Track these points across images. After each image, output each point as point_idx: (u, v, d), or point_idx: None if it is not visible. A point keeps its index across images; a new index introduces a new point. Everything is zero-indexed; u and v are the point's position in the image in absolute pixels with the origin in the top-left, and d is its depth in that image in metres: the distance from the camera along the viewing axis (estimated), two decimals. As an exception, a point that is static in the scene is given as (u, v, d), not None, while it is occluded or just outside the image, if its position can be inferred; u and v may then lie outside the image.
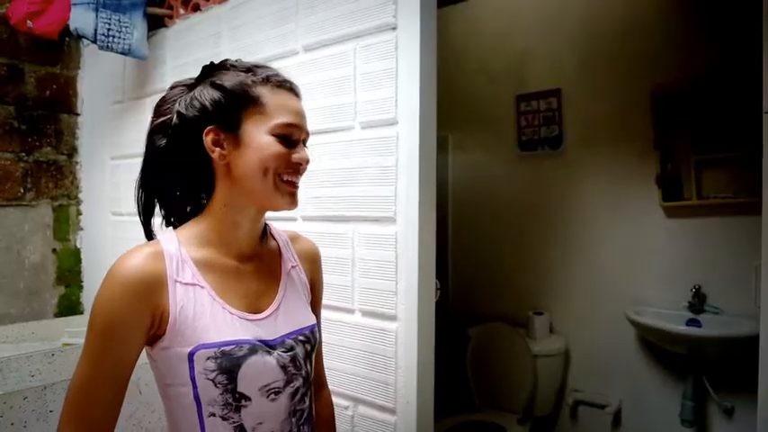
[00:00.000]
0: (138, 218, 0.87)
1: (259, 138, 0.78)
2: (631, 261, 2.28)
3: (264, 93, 0.80)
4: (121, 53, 1.84)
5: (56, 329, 2.01)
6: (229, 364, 0.75)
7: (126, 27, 1.80)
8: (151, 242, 0.80)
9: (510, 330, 2.44)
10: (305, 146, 0.85)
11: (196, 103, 0.80)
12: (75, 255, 2.31)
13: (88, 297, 2.31)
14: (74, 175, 2.31)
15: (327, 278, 1.40)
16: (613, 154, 2.31)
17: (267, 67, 0.83)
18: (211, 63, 0.85)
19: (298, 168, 0.81)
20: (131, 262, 0.74)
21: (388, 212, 1.30)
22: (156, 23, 1.94)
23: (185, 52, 1.84)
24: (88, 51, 2.26)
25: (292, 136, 0.80)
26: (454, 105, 2.71)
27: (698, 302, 2.06)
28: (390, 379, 1.30)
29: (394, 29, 1.29)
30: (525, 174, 2.60)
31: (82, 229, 2.33)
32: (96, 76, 2.26)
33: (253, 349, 0.78)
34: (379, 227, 1.32)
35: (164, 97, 0.84)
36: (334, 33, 1.41)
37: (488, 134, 2.73)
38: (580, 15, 2.40)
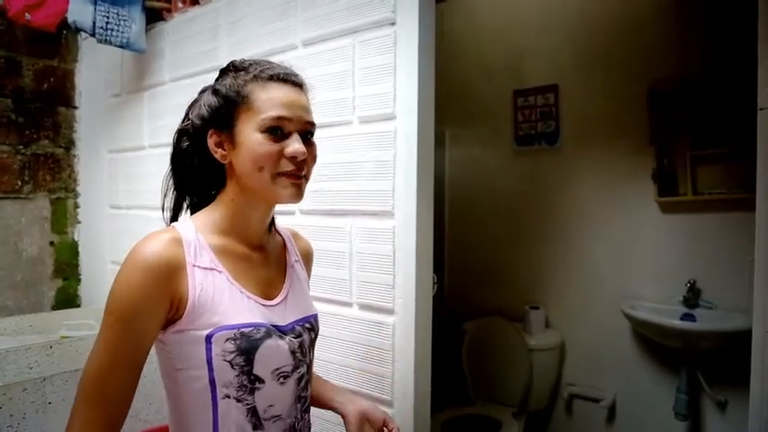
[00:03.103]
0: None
1: (249, 136, 0.79)
2: (627, 256, 2.29)
3: (254, 89, 0.80)
4: (120, 46, 1.83)
5: (54, 322, 2.01)
6: (248, 345, 0.77)
7: (124, 20, 1.80)
8: (168, 228, 0.82)
9: (506, 325, 2.46)
10: (310, 137, 0.84)
11: (200, 111, 0.84)
12: (73, 248, 2.32)
13: (86, 290, 2.32)
14: (71, 168, 2.31)
15: (326, 272, 1.42)
16: (610, 149, 2.32)
17: (263, 62, 0.84)
18: (227, 65, 0.87)
19: (294, 162, 0.80)
20: (151, 247, 0.75)
21: (386, 206, 1.30)
22: (154, 17, 1.94)
23: (183, 46, 1.84)
24: (86, 44, 2.26)
25: (284, 129, 0.80)
26: (451, 100, 2.71)
27: (692, 297, 2.07)
28: (387, 372, 1.31)
29: (393, 24, 1.30)
30: (522, 169, 2.61)
31: (79, 222, 2.33)
32: (94, 69, 2.25)
33: (268, 333, 0.80)
34: (377, 221, 1.33)
35: (193, 101, 0.89)
36: (333, 28, 1.42)
37: (485, 129, 2.74)
38: (578, 11, 2.41)
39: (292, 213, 1.50)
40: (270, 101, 0.80)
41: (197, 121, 0.84)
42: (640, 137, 2.23)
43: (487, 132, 2.73)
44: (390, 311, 1.30)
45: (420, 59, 1.26)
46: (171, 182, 0.89)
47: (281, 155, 0.79)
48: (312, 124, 0.84)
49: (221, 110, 0.82)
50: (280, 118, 0.79)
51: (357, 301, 1.37)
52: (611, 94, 2.31)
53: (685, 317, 2.03)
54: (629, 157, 2.26)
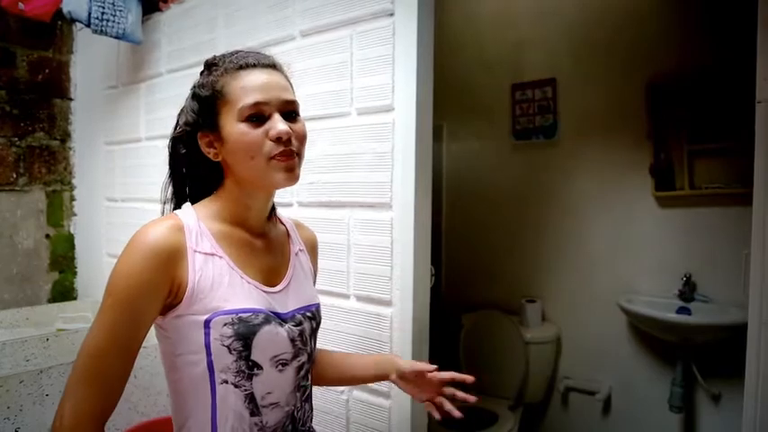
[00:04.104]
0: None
1: (233, 128, 0.80)
2: (624, 250, 2.30)
3: (226, 82, 0.81)
4: (115, 37, 1.82)
5: (49, 315, 2.01)
6: (246, 330, 0.78)
7: (120, 11, 1.78)
8: (170, 215, 0.83)
9: (502, 318, 2.47)
10: (295, 115, 0.83)
11: (186, 118, 0.86)
12: (69, 240, 2.31)
13: (82, 283, 2.31)
14: (67, 161, 2.30)
15: (323, 263, 1.41)
16: (607, 144, 2.33)
17: (230, 54, 0.85)
18: (204, 66, 0.88)
19: (280, 142, 0.79)
20: (153, 233, 0.76)
21: (384, 198, 1.30)
22: (150, 7, 1.92)
23: (181, 37, 1.83)
24: (81, 35, 2.24)
25: (264, 113, 0.79)
26: (449, 94, 2.70)
27: (688, 291, 2.08)
28: (385, 364, 1.31)
29: (391, 15, 1.29)
30: (519, 163, 2.61)
31: (75, 214, 2.32)
32: (90, 60, 2.24)
33: (267, 319, 0.81)
34: (375, 212, 1.32)
35: (181, 108, 0.89)
36: (331, 19, 1.41)
37: (483, 123, 2.74)
38: (576, 5, 2.40)
39: (290, 205, 1.50)
40: (243, 89, 0.79)
41: (187, 128, 0.86)
42: (638, 131, 2.23)
43: (485, 126, 2.73)
44: (388, 303, 1.30)
45: (419, 51, 1.25)
46: (171, 190, 0.90)
47: (265, 139, 0.79)
48: (292, 102, 0.83)
49: (203, 110, 0.83)
50: (256, 104, 0.79)
51: (354, 293, 1.37)
52: (609, 88, 2.31)
53: (681, 310, 2.04)
54: (627, 152, 2.27)
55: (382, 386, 1.32)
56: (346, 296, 1.39)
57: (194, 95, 0.85)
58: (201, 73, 0.87)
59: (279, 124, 0.79)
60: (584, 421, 2.44)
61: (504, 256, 2.66)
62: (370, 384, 1.34)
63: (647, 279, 2.24)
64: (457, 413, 0.94)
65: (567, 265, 2.47)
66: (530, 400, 2.44)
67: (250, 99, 0.79)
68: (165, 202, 0.90)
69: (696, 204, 2.11)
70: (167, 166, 0.90)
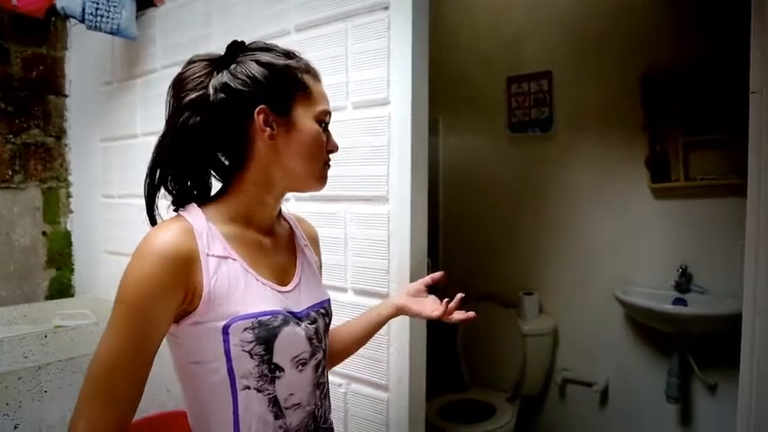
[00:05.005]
0: (142, 199, 0.81)
1: (309, 123, 0.82)
2: (620, 242, 2.31)
3: (308, 80, 0.83)
4: (110, 33, 1.81)
5: (47, 312, 2.01)
6: (267, 334, 0.76)
7: (114, 6, 1.77)
8: (178, 218, 0.78)
9: (500, 310, 2.48)
10: None
11: (247, 79, 0.78)
12: (66, 237, 2.30)
13: (80, 280, 2.31)
14: (63, 158, 2.29)
15: (321, 257, 1.42)
16: (603, 136, 2.33)
17: (301, 56, 0.86)
18: (240, 42, 0.83)
19: (330, 154, 0.87)
20: (164, 237, 0.72)
21: (381, 192, 1.30)
22: (145, 3, 1.91)
23: (175, 32, 1.82)
24: (75, 31, 2.23)
25: (327, 123, 0.86)
26: (445, 87, 2.70)
27: (684, 282, 2.09)
28: (383, 356, 1.32)
29: (386, 8, 1.29)
30: (516, 156, 2.62)
31: (72, 211, 2.31)
32: (84, 56, 2.23)
33: (285, 320, 0.79)
34: (372, 206, 1.33)
35: (186, 74, 0.80)
36: (326, 13, 1.41)
37: (479, 116, 2.74)
38: (572, -3, 2.40)
39: (287, 200, 1.49)
40: (321, 95, 0.85)
41: (245, 89, 0.77)
42: (633, 123, 2.23)
43: (481, 119, 2.73)
44: (385, 296, 1.31)
45: (414, 44, 1.25)
46: (157, 172, 0.80)
47: (326, 145, 0.85)
48: None
49: (279, 88, 0.79)
50: (328, 113, 0.85)
51: (352, 287, 1.38)
52: (604, 80, 2.31)
53: (677, 301, 2.05)
54: (623, 144, 2.27)
55: (380, 379, 1.32)
56: (344, 290, 1.39)
57: (265, 65, 0.79)
58: (259, 48, 0.81)
59: (334, 140, 0.87)
60: (582, 413, 2.45)
61: (500, 248, 2.66)
62: (368, 377, 1.35)
63: (643, 271, 2.25)
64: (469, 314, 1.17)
65: (563, 257, 2.48)
66: (527, 393, 2.45)
67: (325, 107, 0.84)
68: (157, 183, 0.79)
69: (692, 196, 2.12)
70: (172, 140, 0.79)
